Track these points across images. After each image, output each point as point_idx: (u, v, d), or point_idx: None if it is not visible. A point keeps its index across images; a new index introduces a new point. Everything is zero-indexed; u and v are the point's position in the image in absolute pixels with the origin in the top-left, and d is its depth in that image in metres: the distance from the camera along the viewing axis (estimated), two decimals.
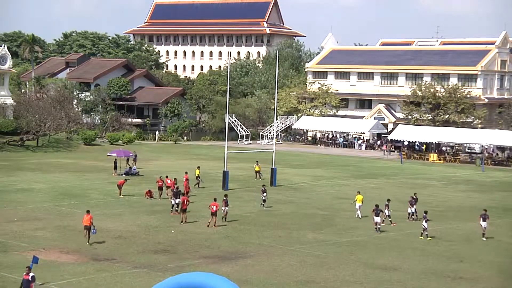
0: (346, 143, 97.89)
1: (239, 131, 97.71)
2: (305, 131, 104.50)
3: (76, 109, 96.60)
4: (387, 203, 42.68)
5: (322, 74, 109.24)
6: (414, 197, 45.46)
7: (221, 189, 53.28)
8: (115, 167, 60.51)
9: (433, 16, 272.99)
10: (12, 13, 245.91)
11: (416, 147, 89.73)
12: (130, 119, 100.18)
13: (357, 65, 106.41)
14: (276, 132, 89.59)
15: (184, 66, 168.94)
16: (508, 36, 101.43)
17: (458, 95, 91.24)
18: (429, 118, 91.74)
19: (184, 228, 39.16)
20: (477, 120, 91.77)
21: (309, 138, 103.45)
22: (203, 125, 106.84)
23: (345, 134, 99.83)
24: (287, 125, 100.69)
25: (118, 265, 31.16)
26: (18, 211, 42.83)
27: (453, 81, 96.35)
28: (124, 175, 56.62)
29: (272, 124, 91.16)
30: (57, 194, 49.25)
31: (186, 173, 52.45)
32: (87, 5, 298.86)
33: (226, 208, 41.28)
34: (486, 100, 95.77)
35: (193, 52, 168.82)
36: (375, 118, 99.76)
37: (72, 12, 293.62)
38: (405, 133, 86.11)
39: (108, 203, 46.42)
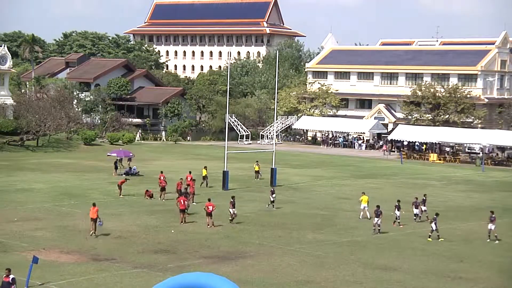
0: (346, 143, 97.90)
1: (239, 131, 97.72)
2: (305, 131, 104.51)
3: (76, 109, 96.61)
4: (397, 204, 42.33)
5: (322, 74, 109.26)
6: (424, 198, 45.28)
7: (221, 189, 53.30)
8: (116, 167, 60.56)
9: (433, 16, 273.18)
10: (12, 13, 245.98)
11: (416, 147, 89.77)
12: (130, 119, 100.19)
13: (357, 65, 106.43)
14: (276, 132, 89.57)
15: (184, 66, 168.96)
16: (508, 36, 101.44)
17: (458, 95, 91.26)
18: (429, 118, 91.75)
19: (184, 228, 39.16)
20: (477, 120, 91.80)
21: (309, 138, 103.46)
22: (203, 125, 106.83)
23: (345, 134, 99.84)
24: (287, 125, 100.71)
25: (118, 265, 31.16)
26: (18, 211, 42.83)
27: (453, 81, 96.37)
28: (124, 175, 56.60)
29: (272, 124, 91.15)
30: (57, 194, 49.25)
31: (190, 172, 52.31)
32: (87, 5, 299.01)
33: (234, 209, 40.91)
34: (486, 100, 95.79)
35: (193, 52, 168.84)
36: (375, 118, 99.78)
37: (72, 12, 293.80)
38: (405, 133, 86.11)
39: (108, 203, 46.40)
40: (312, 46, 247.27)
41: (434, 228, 38.28)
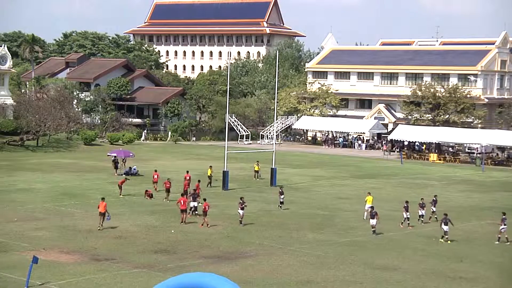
0: (346, 143, 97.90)
1: (239, 131, 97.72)
2: (305, 131, 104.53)
3: (76, 109, 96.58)
4: (406, 205, 41.87)
5: (322, 74, 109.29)
6: (435, 198, 44.89)
7: (221, 189, 53.31)
8: (116, 167, 60.59)
9: (433, 16, 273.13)
10: (12, 13, 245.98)
11: (416, 147, 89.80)
12: (130, 119, 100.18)
13: (357, 65, 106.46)
14: (276, 132, 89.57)
15: (184, 66, 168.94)
16: (508, 36, 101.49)
17: (458, 95, 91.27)
18: (429, 118, 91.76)
19: (184, 228, 39.16)
20: (477, 120, 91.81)
21: (309, 138, 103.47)
22: (203, 125, 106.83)
23: (345, 134, 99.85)
24: (287, 125, 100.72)
25: (118, 265, 31.15)
26: (18, 211, 42.83)
27: (453, 81, 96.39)
28: (124, 175, 56.59)
29: (272, 124, 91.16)
30: (57, 194, 49.25)
31: (187, 172, 52.43)
32: (87, 5, 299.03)
33: (243, 211, 40.51)
34: (486, 100, 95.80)
35: (193, 52, 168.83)
36: (375, 118, 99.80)
37: (72, 12, 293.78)
38: (405, 133, 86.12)
39: (108, 203, 46.08)
40: (312, 46, 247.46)
41: (446, 229, 37.67)
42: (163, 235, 37.48)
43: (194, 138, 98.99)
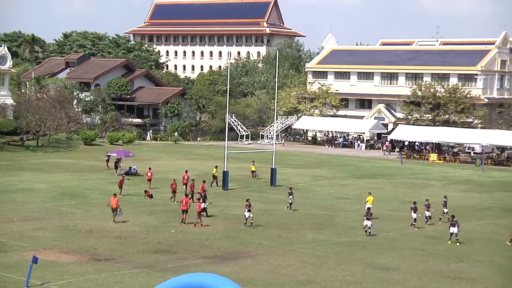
0: (346, 143, 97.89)
1: (239, 131, 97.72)
2: (305, 131, 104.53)
3: (76, 109, 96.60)
4: (413, 206, 41.40)
5: (322, 74, 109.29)
6: (445, 199, 44.49)
7: (221, 189, 53.30)
8: (116, 167, 60.63)
9: (433, 16, 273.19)
10: (12, 13, 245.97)
11: (416, 147, 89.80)
12: (130, 119, 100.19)
13: (357, 65, 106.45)
14: (276, 132, 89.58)
15: (184, 66, 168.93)
16: (508, 36, 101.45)
17: (458, 95, 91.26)
18: (429, 118, 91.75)
19: (184, 228, 39.16)
20: (477, 120, 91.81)
21: (309, 138, 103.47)
22: (203, 125, 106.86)
23: (345, 134, 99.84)
24: (287, 125, 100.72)
25: (118, 265, 31.16)
26: (18, 211, 42.82)
27: (453, 81, 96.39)
28: (124, 175, 56.58)
29: (272, 124, 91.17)
30: (57, 194, 49.25)
31: (186, 171, 52.41)
32: (87, 5, 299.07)
33: (249, 213, 40.10)
34: (486, 100, 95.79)
35: (193, 52, 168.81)
36: (375, 118, 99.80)
37: (72, 12, 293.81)
38: (405, 133, 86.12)
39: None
40: (312, 46, 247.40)
41: (455, 231, 37.26)
42: (163, 235, 37.48)
43: (199, 138, 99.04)
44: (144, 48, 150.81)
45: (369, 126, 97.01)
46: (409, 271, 31.84)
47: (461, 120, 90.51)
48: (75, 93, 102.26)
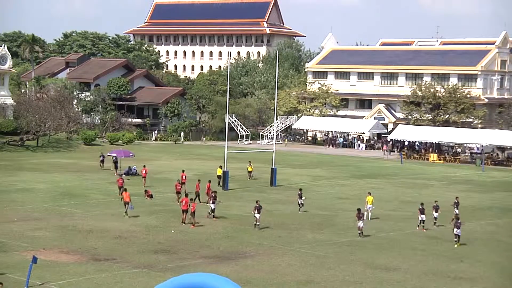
0: (346, 143, 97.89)
1: (239, 131, 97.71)
2: (305, 131, 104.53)
3: (76, 109, 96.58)
4: (421, 207, 40.99)
5: (322, 74, 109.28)
6: (456, 201, 44.19)
7: (221, 189, 53.27)
8: (116, 167, 60.65)
9: (433, 16, 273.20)
10: (12, 13, 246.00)
11: (416, 147, 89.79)
12: (130, 119, 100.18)
13: (357, 65, 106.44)
14: (276, 132, 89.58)
15: (184, 66, 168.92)
16: (508, 36, 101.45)
17: (458, 95, 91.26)
18: (429, 118, 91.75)
19: (184, 228, 39.15)
20: (477, 120, 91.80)
21: (309, 138, 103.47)
22: (203, 125, 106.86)
23: (345, 134, 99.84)
24: (287, 125, 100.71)
25: (118, 265, 31.15)
26: (18, 211, 42.82)
27: (453, 81, 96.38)
28: (124, 175, 56.59)
29: (272, 124, 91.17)
30: (57, 194, 49.24)
31: (183, 171, 52.39)
32: (87, 5, 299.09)
33: (259, 215, 39.60)
34: (486, 100, 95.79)
35: (193, 52, 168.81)
36: (375, 118, 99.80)
37: (72, 12, 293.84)
38: (405, 133, 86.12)
39: (108, 203, 46.42)
40: (312, 46, 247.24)
41: (457, 232, 36.91)
42: (163, 235, 37.47)
43: (203, 138, 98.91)
44: (144, 48, 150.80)
45: (369, 126, 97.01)
46: (409, 271, 31.83)
47: (461, 120, 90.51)
48: (75, 93, 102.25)
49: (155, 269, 30.71)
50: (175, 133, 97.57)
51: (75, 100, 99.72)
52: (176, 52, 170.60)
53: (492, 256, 35.34)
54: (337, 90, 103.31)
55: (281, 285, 29.14)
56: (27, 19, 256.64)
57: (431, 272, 31.91)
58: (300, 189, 47.15)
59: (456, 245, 37.04)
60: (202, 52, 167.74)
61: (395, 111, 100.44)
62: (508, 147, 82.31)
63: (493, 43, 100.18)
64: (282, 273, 30.83)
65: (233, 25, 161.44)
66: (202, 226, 39.65)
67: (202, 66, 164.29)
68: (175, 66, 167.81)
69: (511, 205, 51.63)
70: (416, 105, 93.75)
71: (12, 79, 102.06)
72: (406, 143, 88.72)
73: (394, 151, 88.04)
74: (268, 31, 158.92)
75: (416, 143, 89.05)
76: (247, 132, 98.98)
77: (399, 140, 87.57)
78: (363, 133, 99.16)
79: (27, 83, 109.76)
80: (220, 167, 55.33)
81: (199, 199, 45.92)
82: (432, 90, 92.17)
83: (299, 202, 45.66)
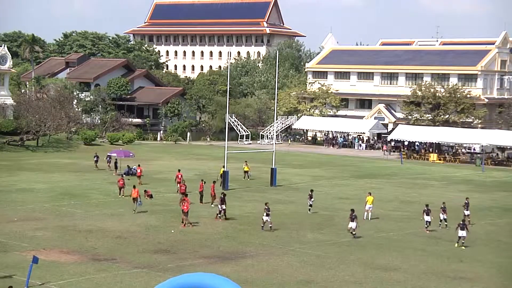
0: (346, 143, 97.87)
1: (239, 131, 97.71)
2: (305, 131, 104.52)
3: (76, 109, 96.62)
4: (426, 208, 40.70)
5: (322, 74, 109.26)
6: (467, 201, 43.87)
7: (221, 189, 53.25)
8: (116, 167, 60.66)
9: (433, 16, 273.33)
10: (12, 13, 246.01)
11: (416, 147, 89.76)
12: (130, 119, 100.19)
13: (357, 65, 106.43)
14: (276, 132, 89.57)
15: (184, 66, 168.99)
16: (508, 36, 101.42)
17: (458, 95, 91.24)
18: (429, 118, 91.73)
19: (184, 228, 39.14)
20: (477, 120, 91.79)
21: (309, 138, 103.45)
22: (203, 125, 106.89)
23: (345, 134, 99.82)
24: (287, 125, 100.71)
25: (118, 265, 31.15)
26: (18, 211, 42.81)
27: (453, 81, 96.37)
28: (124, 175, 56.57)
29: (272, 124, 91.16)
30: (57, 194, 49.24)
31: (179, 170, 52.43)
32: (87, 5, 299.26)
33: (268, 218, 39.32)
34: (486, 100, 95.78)
35: (193, 52, 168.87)
36: (375, 118, 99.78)
37: (72, 12, 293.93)
38: (405, 133, 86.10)
39: (108, 203, 46.42)
40: (312, 46, 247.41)
41: (464, 234, 36.68)
42: (163, 235, 37.47)
43: (208, 138, 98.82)
44: (144, 48, 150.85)
45: (369, 126, 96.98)
46: (409, 271, 31.83)
47: (461, 120, 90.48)
48: (75, 93, 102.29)
49: (155, 269, 30.71)
50: (175, 133, 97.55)
51: (75, 100, 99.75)
52: (176, 52, 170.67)
53: (492, 256, 35.34)
54: (337, 90, 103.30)
55: (281, 285, 29.14)
56: (27, 19, 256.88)
57: (431, 272, 31.91)
58: (311, 190, 46.89)
59: (456, 245, 36.99)
60: (202, 52, 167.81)
61: (395, 111, 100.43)
62: (508, 147, 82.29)
63: (493, 43, 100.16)
64: (282, 273, 30.83)
65: (233, 25, 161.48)
66: (202, 226, 39.63)
67: (202, 66, 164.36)
68: (175, 66, 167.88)
69: (511, 205, 51.62)
70: (416, 105, 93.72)
71: (12, 79, 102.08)
72: (406, 143, 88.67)
73: (394, 151, 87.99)
74: (268, 31, 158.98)
75: (416, 143, 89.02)
76: (247, 132, 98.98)
77: (399, 140, 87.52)
78: (363, 133, 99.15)
79: (27, 83, 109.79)
80: (223, 167, 55.33)
81: (201, 200, 45.94)
82: (432, 90, 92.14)
83: (309, 203, 45.49)
